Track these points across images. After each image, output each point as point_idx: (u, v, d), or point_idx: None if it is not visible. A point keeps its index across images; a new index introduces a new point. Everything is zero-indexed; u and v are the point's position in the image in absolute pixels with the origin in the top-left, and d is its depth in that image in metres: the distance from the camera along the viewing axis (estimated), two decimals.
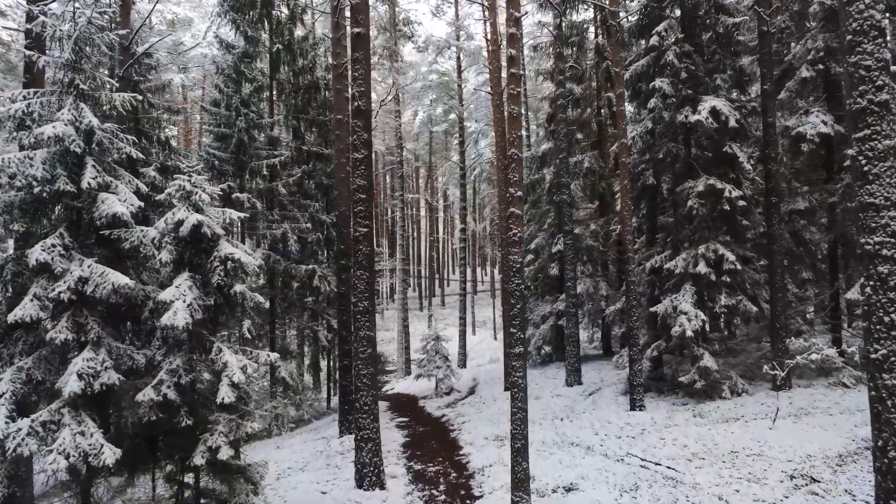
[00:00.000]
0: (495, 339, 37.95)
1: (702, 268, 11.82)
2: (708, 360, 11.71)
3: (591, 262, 21.37)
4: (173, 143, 18.43)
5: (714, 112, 11.68)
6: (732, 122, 11.75)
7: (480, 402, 16.02)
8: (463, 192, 30.65)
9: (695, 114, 11.97)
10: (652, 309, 12.46)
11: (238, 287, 7.86)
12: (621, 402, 12.89)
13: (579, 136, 21.47)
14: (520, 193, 8.15)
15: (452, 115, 45.49)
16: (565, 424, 11.92)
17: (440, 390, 18.42)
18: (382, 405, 18.46)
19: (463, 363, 27.25)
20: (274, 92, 19.98)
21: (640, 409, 11.72)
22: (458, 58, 30.31)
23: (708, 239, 12.21)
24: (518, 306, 8.07)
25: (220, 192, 17.49)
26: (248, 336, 15.88)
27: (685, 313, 11.77)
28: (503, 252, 17.80)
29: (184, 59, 35.06)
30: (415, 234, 57.68)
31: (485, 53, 31.02)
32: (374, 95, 30.75)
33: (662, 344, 12.68)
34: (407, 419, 15.62)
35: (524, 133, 33.23)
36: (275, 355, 8.26)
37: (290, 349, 18.38)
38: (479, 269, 61.69)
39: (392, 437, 13.39)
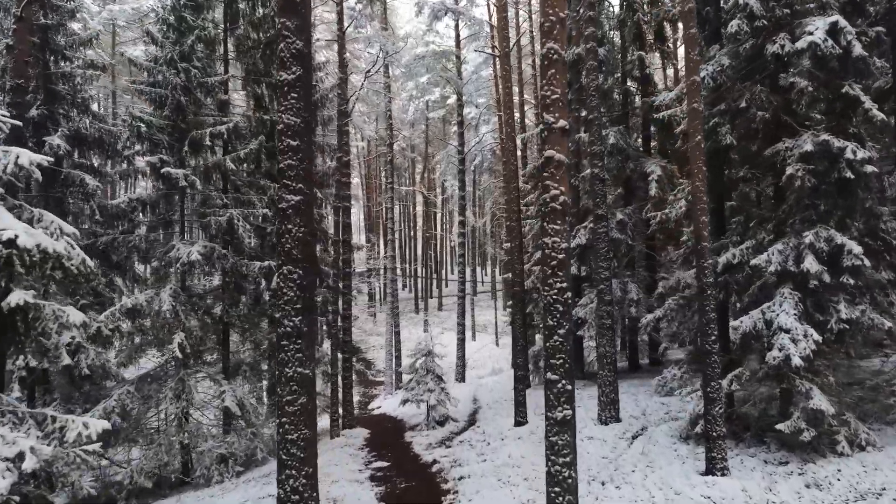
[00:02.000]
0: (497, 345, 34.27)
1: (810, 264, 8.05)
2: (819, 400, 7.94)
3: (617, 258, 17.71)
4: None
5: (833, 32, 7.90)
6: (858, 50, 8.00)
7: (483, 440, 12.24)
8: (462, 181, 26.95)
9: (796, 40, 8.21)
10: (733, 323, 8.69)
11: (17, 296, 4.09)
12: (684, 454, 9.12)
13: (601, 109, 17.82)
14: (564, 124, 4.41)
15: (450, 101, 41.71)
16: (609, 492, 8.15)
17: (432, 419, 14.64)
18: (360, 438, 14.68)
19: (461, 376, 23.53)
20: (230, 48, 16.17)
21: (723, 474, 7.94)
22: (457, 25, 26.63)
23: (815, 222, 8.45)
24: (560, 331, 4.31)
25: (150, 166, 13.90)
26: (180, 354, 12.12)
27: (787, 330, 8.00)
28: (512, 246, 14.06)
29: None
30: (412, 232, 53.86)
31: (487, 29, 27.47)
32: (359, 63, 26.97)
33: (745, 373, 8.91)
34: (386, 464, 11.85)
35: (520, 120, 29.44)
36: (101, 423, 4.50)
37: (241, 367, 14.58)
38: (479, 269, 57.83)
39: (362, 497, 9.64)
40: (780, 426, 8.19)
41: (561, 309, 4.31)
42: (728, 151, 9.58)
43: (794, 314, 8.12)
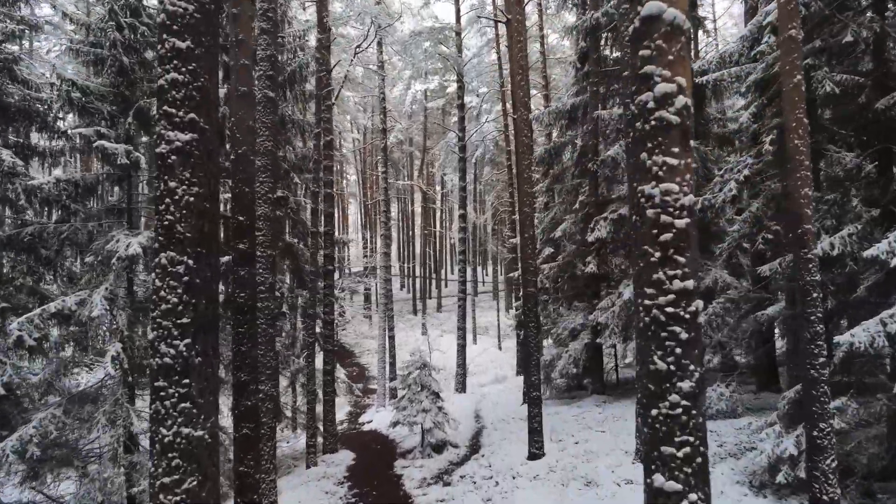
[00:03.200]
0: (500, 348, 31.96)
1: None
2: None
3: None
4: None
5: None
6: None
7: (490, 476, 9.88)
8: (462, 171, 24.55)
9: None
10: (840, 338, 6.32)
11: None
12: None
13: (616, 86, 15.58)
14: None
15: (450, 89, 39.38)
16: None
17: (427, 444, 12.27)
18: (341, 466, 12.33)
19: (462, 386, 21.19)
20: None
21: None
22: (457, 0, 24.30)
23: None
24: (684, 383, 1.94)
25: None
26: (112, 371, 9.85)
27: None
28: (524, 238, 11.66)
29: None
30: (410, 231, 51.45)
31: (490, 8, 25.20)
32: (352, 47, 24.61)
33: (850, 405, 6.54)
34: None
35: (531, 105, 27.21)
36: None
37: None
38: (479, 269, 55.38)
39: None
40: None
41: (685, 336, 1.89)
42: (824, 105, 7.20)
43: None
